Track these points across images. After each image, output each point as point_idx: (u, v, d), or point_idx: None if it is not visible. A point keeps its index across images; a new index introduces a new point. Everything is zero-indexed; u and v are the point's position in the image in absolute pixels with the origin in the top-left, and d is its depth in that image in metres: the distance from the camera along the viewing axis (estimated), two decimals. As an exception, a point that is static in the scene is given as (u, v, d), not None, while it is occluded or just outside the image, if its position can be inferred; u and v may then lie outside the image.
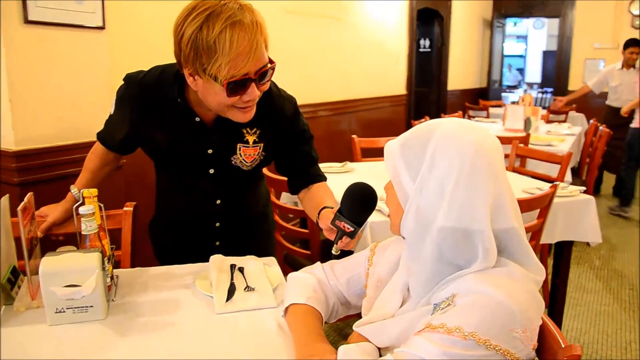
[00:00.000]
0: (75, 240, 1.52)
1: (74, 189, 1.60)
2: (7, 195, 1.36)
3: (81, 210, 1.22)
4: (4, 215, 1.28)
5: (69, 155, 2.07)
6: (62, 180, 2.06)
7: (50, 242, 1.60)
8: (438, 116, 6.63)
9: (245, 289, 1.30)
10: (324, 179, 1.58)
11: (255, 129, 1.45)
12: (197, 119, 1.40)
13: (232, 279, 1.34)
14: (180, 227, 1.63)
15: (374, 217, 2.02)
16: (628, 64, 5.28)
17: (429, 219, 0.91)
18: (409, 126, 6.17)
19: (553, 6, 8.25)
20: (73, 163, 2.07)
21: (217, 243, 1.64)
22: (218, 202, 1.55)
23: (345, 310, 1.26)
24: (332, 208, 1.35)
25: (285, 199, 2.68)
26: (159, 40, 2.68)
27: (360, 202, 1.19)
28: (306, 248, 2.43)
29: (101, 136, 1.57)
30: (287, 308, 1.14)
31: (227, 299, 1.25)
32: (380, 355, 0.97)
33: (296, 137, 1.54)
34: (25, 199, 1.31)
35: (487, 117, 6.69)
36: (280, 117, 1.47)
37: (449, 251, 0.91)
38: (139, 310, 1.22)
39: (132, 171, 2.31)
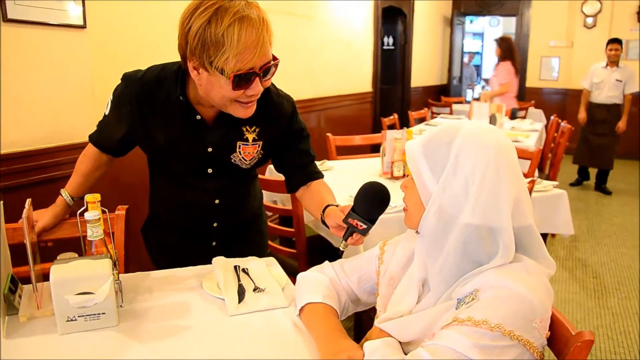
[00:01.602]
0: (66, 246, 1.50)
1: (64, 193, 1.57)
2: (1, 201, 1.32)
3: (87, 215, 1.20)
4: (2, 222, 1.24)
5: (52, 159, 2.01)
6: (47, 184, 2.01)
7: (39, 249, 1.55)
8: (404, 113, 6.75)
9: (254, 290, 1.30)
10: (322, 176, 1.60)
11: (254, 127, 1.45)
12: (198, 117, 1.40)
13: (239, 280, 1.34)
14: (177, 228, 1.62)
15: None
16: (611, 61, 5.53)
17: (452, 216, 0.95)
18: (376, 123, 6.24)
19: (510, 5, 8.49)
20: (56, 166, 2.02)
21: (214, 243, 1.64)
22: (217, 201, 1.55)
23: (354, 307, 1.29)
24: (337, 206, 1.37)
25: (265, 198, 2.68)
26: (142, 39, 2.64)
27: (377, 201, 1.23)
28: (286, 245, 2.44)
29: (94, 138, 1.54)
30: (302, 307, 1.16)
31: (239, 301, 1.25)
32: (403, 350, 1.00)
33: (294, 135, 1.55)
34: (27, 205, 1.27)
35: (451, 113, 6.83)
36: (279, 116, 1.49)
37: (472, 247, 0.95)
38: (150, 315, 1.21)
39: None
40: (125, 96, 1.40)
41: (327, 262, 1.31)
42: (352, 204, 1.25)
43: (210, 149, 1.44)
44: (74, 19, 1.99)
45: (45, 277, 1.41)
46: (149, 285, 1.37)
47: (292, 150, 1.56)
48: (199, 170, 1.49)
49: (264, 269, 1.42)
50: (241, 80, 1.21)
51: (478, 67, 14.75)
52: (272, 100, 1.45)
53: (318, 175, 1.59)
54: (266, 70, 1.25)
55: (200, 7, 1.17)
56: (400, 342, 1.01)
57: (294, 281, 1.32)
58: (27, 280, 1.35)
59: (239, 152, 1.46)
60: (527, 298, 0.90)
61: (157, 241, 1.69)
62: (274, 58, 1.26)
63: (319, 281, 1.22)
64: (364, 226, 1.22)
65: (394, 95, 7.29)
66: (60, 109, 2.04)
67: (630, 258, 3.94)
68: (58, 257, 1.28)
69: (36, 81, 1.93)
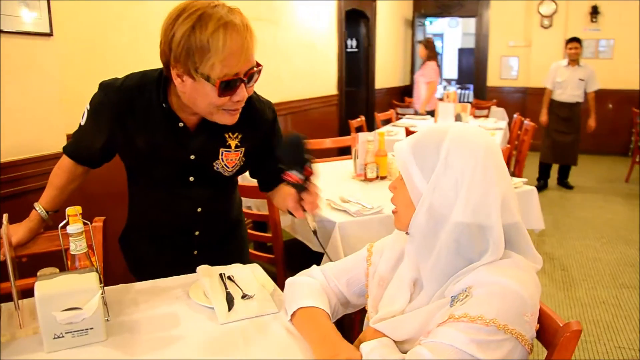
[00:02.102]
0: (42, 262, 1.46)
1: (38, 207, 1.52)
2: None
3: (69, 229, 1.17)
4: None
5: (19, 172, 1.95)
6: (15, 199, 1.94)
7: (16, 264, 1.50)
8: (369, 115, 6.81)
9: (243, 297, 1.29)
10: None
11: (237, 134, 1.45)
12: (181, 124, 1.39)
13: (226, 288, 1.33)
14: (158, 238, 1.60)
15: (341, 218, 2.07)
16: (571, 60, 5.58)
17: (443, 215, 0.98)
18: (343, 126, 6.27)
19: (469, 6, 8.68)
20: (24, 180, 1.96)
21: (195, 252, 1.62)
22: (199, 210, 1.54)
23: (344, 310, 1.30)
24: None
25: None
26: (111, 47, 2.59)
27: (292, 144, 1.28)
28: (260, 251, 2.43)
29: (69, 150, 1.50)
30: (294, 312, 1.16)
31: (229, 309, 1.24)
32: (399, 349, 1.01)
33: (274, 141, 1.55)
34: (4, 221, 1.23)
35: (415, 114, 6.92)
36: (261, 122, 1.49)
37: (464, 245, 0.98)
38: (139, 328, 1.19)
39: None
40: (105, 104, 1.38)
41: (315, 266, 1.31)
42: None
43: (192, 157, 1.43)
44: (40, 27, 1.93)
45: (22, 294, 1.37)
46: (134, 297, 1.34)
47: (272, 155, 1.56)
48: (181, 178, 1.47)
49: (250, 276, 1.41)
50: (227, 87, 1.21)
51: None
52: (254, 106, 1.45)
53: None
54: (250, 76, 1.25)
55: (183, 14, 1.17)
56: (395, 342, 1.03)
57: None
58: (1, 298, 1.31)
59: (222, 159, 1.46)
60: (518, 293, 0.93)
61: (137, 251, 1.66)
62: (257, 64, 1.26)
63: (310, 285, 1.22)
64: (299, 176, 1.26)
65: (359, 98, 7.34)
66: (27, 120, 1.97)
67: (595, 250, 4.08)
68: (38, 273, 1.24)
69: (2, 91, 1.87)
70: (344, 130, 6.31)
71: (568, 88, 5.61)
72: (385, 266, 1.18)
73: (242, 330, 1.18)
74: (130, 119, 1.38)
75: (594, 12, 7.75)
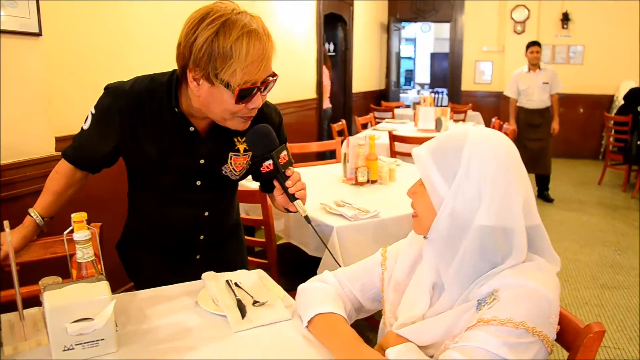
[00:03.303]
0: (33, 270, 1.41)
1: (34, 213, 1.46)
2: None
3: (76, 236, 1.12)
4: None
5: (9, 176, 1.87)
6: (6, 203, 1.87)
7: (5, 274, 1.44)
8: (349, 118, 6.83)
9: (254, 303, 1.27)
10: None
11: (245, 138, 1.43)
12: (192, 128, 1.37)
13: (235, 295, 1.30)
14: (161, 243, 1.56)
15: (338, 222, 2.06)
16: (532, 64, 5.47)
17: (466, 219, 0.97)
18: (322, 129, 6.28)
19: (444, 11, 8.80)
20: (14, 184, 1.89)
21: (198, 257, 1.59)
22: (206, 214, 1.52)
23: (357, 315, 1.29)
24: None
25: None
26: (102, 47, 2.52)
27: (258, 134, 1.28)
28: (250, 255, 2.40)
29: (69, 154, 1.44)
30: (311, 319, 1.14)
31: (242, 316, 1.21)
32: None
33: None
34: (6, 228, 1.17)
35: (393, 117, 6.98)
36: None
37: (488, 249, 0.98)
38: (150, 337, 1.15)
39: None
40: (113, 109, 1.34)
41: (327, 271, 1.30)
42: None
43: (202, 161, 1.41)
44: (29, 27, 1.86)
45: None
46: (139, 306, 1.30)
47: None
48: (188, 182, 1.45)
49: (258, 282, 1.39)
50: (244, 94, 1.20)
51: (411, 72, 15.21)
52: (262, 110, 1.44)
53: None
54: (267, 84, 1.25)
55: (206, 19, 1.16)
56: (419, 347, 1.02)
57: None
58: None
59: (230, 163, 1.45)
60: (544, 295, 0.94)
61: (137, 257, 1.61)
62: (273, 74, 1.26)
63: (325, 291, 1.20)
64: (270, 162, 1.25)
65: (337, 101, 7.35)
66: (13, 122, 1.90)
67: (573, 252, 4.16)
68: (40, 283, 1.19)
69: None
70: (323, 134, 6.31)
71: (535, 94, 5.50)
72: (401, 271, 1.18)
73: (256, 338, 1.15)
74: (140, 124, 1.34)
75: (565, 18, 7.95)
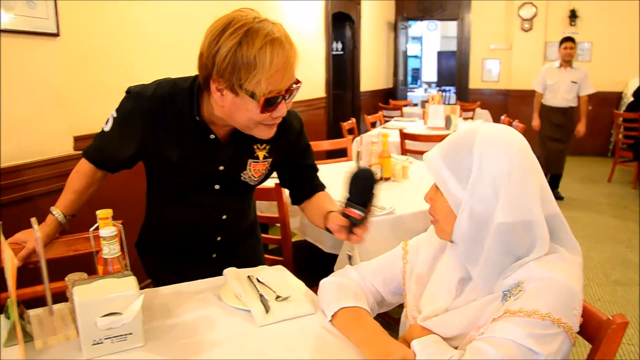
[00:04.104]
0: (55, 267, 1.42)
1: (56, 211, 1.48)
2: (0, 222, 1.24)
3: (103, 232, 1.14)
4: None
5: (22, 177, 1.89)
6: (19, 204, 1.89)
7: (27, 270, 1.46)
8: (358, 117, 6.83)
9: (276, 298, 1.28)
10: (324, 187, 1.61)
11: (265, 145, 1.44)
12: (212, 135, 1.37)
13: (257, 290, 1.31)
14: (179, 242, 1.58)
15: (354, 218, 2.06)
16: (565, 60, 5.20)
17: (485, 218, 0.98)
18: (332, 128, 6.29)
19: (451, 10, 8.78)
20: (34, 183, 1.91)
21: (214, 255, 1.61)
22: (224, 217, 1.53)
23: (378, 308, 1.30)
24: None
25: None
26: (118, 48, 2.55)
27: (366, 182, 1.24)
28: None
29: (91, 154, 1.45)
30: (335, 313, 1.15)
31: (266, 311, 1.22)
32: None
33: (302, 151, 1.56)
34: (35, 225, 1.19)
35: (401, 116, 6.98)
36: (289, 133, 1.48)
37: (511, 244, 0.99)
38: (175, 332, 1.16)
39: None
40: (135, 114, 1.33)
41: (348, 266, 1.31)
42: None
43: (221, 167, 1.42)
44: (47, 27, 1.88)
45: (41, 300, 1.34)
46: (163, 301, 1.32)
47: (299, 166, 1.57)
48: (207, 186, 1.45)
49: (279, 277, 1.40)
50: (269, 103, 1.19)
51: (418, 70, 15.19)
52: (284, 117, 1.43)
53: (321, 187, 1.60)
54: (291, 92, 1.24)
55: (228, 29, 1.14)
56: (443, 338, 1.03)
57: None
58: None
59: (249, 169, 1.45)
60: (569, 287, 0.95)
61: (155, 255, 1.63)
62: (297, 81, 1.25)
63: (347, 286, 1.22)
64: (360, 214, 1.24)
65: (345, 100, 7.36)
66: (33, 122, 1.92)
67: (585, 249, 4.03)
68: (67, 278, 1.22)
69: (5, 92, 1.81)
70: (332, 133, 6.32)
71: (560, 91, 5.27)
72: (423, 263, 1.19)
73: (282, 332, 1.16)
74: (162, 129, 1.34)
75: (573, 15, 7.92)
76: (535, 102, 5.49)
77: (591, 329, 1.07)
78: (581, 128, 5.38)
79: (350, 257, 1.34)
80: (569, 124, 5.37)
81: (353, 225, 1.26)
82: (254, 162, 1.45)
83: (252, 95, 1.17)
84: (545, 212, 1.00)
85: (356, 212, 1.24)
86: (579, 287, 0.97)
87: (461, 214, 1.00)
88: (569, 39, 5.19)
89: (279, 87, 1.18)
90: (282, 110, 1.24)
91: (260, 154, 1.45)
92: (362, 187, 1.25)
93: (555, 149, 5.36)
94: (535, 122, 5.39)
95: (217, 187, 1.46)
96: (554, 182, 5.59)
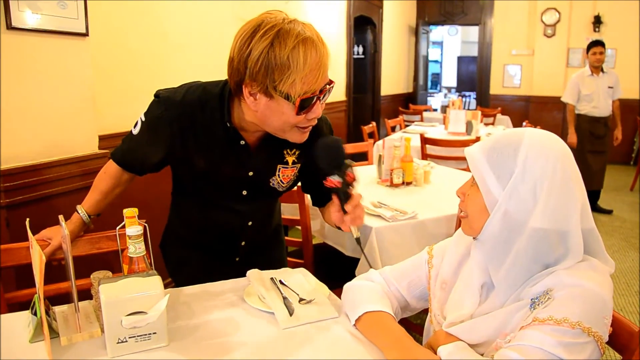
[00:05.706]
0: (84, 266, 1.44)
1: (81, 210, 1.50)
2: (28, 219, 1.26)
3: (129, 231, 1.15)
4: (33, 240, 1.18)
5: (53, 174, 1.92)
6: (48, 201, 1.91)
7: (51, 267, 1.48)
8: (378, 121, 6.81)
9: (300, 301, 1.27)
10: None
11: (294, 150, 1.43)
12: (242, 142, 1.35)
13: (281, 292, 1.31)
14: (202, 246, 1.58)
15: (376, 223, 2.06)
16: (595, 67, 4.88)
17: (520, 221, 0.97)
18: (353, 131, 6.28)
19: (473, 14, 8.73)
20: (57, 181, 1.93)
21: (237, 259, 1.61)
22: (250, 223, 1.52)
23: (402, 313, 1.28)
24: None
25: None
26: (146, 48, 2.58)
27: (330, 147, 1.21)
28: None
29: (119, 157, 1.45)
30: (360, 317, 1.14)
31: (290, 314, 1.21)
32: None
33: None
34: (62, 223, 1.20)
35: (422, 120, 6.94)
36: (318, 137, 1.46)
37: (542, 251, 0.97)
38: (198, 332, 1.17)
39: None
40: (165, 119, 1.32)
41: (372, 269, 1.30)
42: None
43: (250, 173, 1.40)
44: (77, 27, 1.91)
45: (64, 297, 1.35)
46: (186, 301, 1.32)
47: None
48: (234, 192, 1.44)
49: (303, 280, 1.39)
50: (305, 105, 1.17)
51: (438, 75, 15.12)
52: None
53: None
54: (324, 92, 1.21)
55: (259, 31, 1.12)
56: (469, 345, 1.01)
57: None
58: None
59: (278, 175, 1.43)
60: (599, 295, 0.93)
61: (179, 256, 1.63)
62: (330, 81, 1.23)
63: (372, 289, 1.21)
64: (339, 179, 1.19)
65: (365, 104, 7.36)
66: (61, 120, 1.95)
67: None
68: (92, 276, 1.22)
69: (36, 91, 1.84)
70: (352, 136, 6.31)
71: (601, 100, 4.85)
72: (448, 269, 1.17)
73: (305, 334, 1.16)
74: (191, 135, 1.33)
75: (597, 21, 7.80)
76: (569, 115, 5.04)
77: (622, 339, 1.05)
78: (619, 134, 5.14)
79: (358, 240, 1.25)
80: (610, 133, 5.04)
81: (341, 198, 1.21)
82: (283, 167, 1.43)
83: (287, 97, 1.15)
84: (584, 225, 0.99)
85: (334, 180, 1.20)
86: (609, 295, 0.95)
87: (495, 213, 0.99)
88: (598, 43, 4.84)
89: (313, 88, 1.16)
90: (317, 111, 1.22)
91: (290, 159, 1.43)
92: (328, 152, 1.21)
93: (598, 162, 4.98)
94: (573, 138, 4.92)
95: (244, 193, 1.45)
96: (593, 197, 5.21)
